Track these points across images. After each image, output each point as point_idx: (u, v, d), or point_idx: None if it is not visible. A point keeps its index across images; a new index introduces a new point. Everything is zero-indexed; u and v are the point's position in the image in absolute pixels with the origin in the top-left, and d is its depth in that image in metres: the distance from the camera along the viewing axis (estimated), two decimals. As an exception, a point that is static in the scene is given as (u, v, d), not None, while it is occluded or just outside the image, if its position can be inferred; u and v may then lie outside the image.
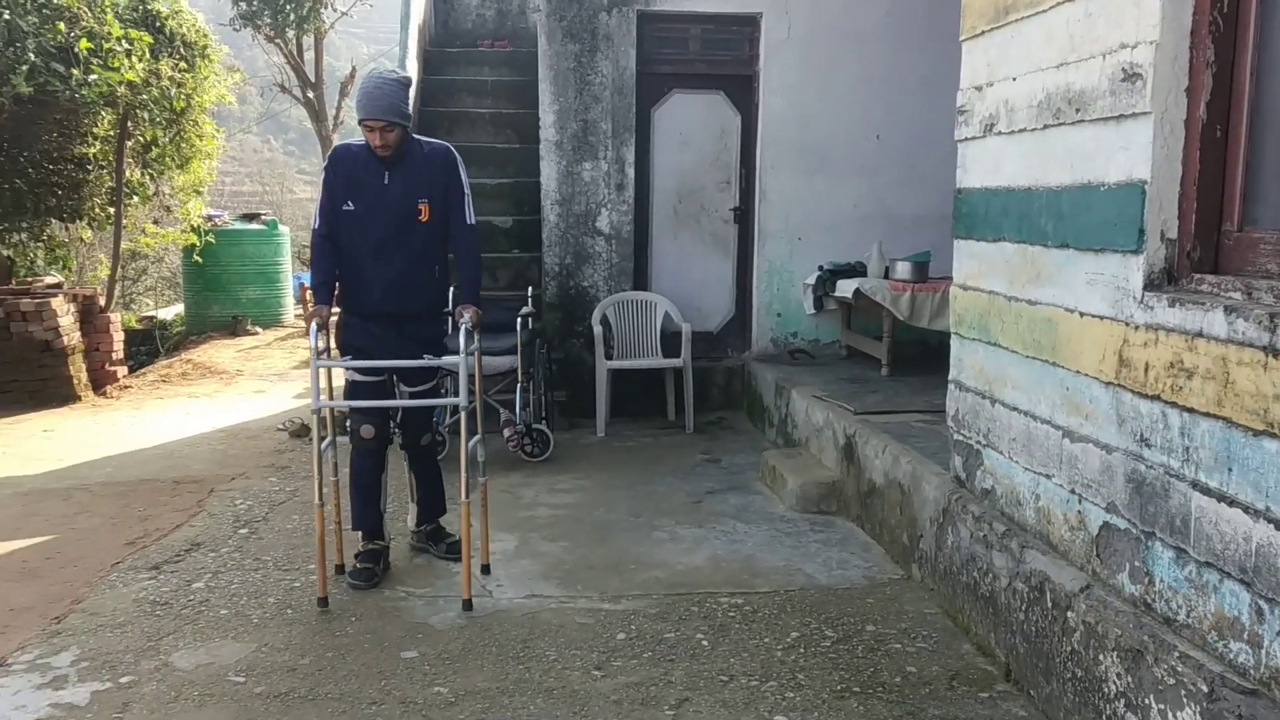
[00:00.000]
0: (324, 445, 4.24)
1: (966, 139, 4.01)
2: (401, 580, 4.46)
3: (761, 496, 5.73)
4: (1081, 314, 3.19)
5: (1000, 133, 3.71)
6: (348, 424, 4.73)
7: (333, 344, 4.50)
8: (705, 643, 3.82)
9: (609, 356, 7.32)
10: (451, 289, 4.81)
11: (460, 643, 3.80)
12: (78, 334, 9.16)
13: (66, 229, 11.62)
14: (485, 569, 4.52)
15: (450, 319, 4.73)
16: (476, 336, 4.40)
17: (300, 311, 4.93)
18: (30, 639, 3.89)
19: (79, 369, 9.04)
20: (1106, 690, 2.91)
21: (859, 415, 5.53)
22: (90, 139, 10.08)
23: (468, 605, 4.09)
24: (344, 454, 4.58)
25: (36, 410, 8.42)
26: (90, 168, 10.36)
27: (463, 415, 4.17)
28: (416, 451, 4.73)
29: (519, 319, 6.40)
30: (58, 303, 8.90)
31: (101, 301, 9.99)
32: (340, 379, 4.63)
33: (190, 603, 4.23)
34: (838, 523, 5.24)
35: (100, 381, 9.41)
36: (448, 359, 4.35)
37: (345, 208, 4.32)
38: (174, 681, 3.52)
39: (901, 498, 4.60)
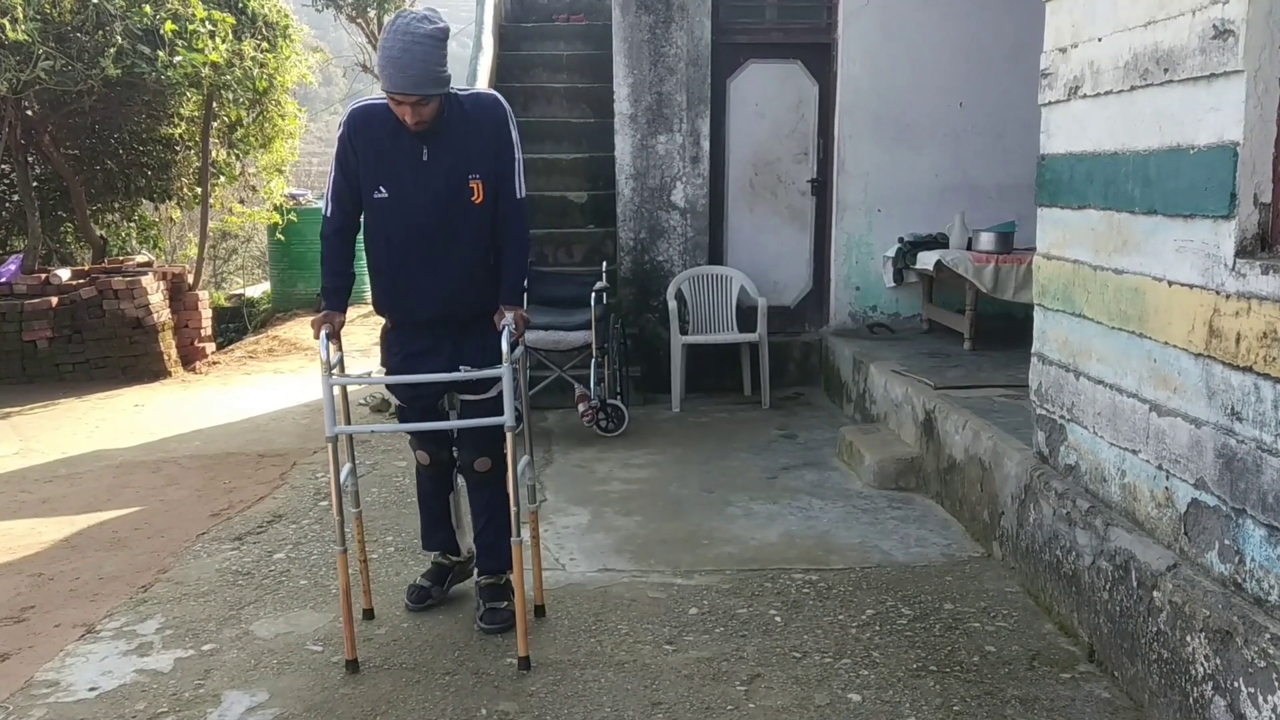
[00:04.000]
0: (344, 476, 3.53)
1: (1050, 103, 3.87)
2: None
3: (838, 473, 5.65)
4: (1170, 283, 3.06)
5: (1085, 96, 3.57)
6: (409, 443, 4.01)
7: (348, 354, 3.93)
8: (778, 619, 3.78)
9: (684, 331, 7.28)
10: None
11: (533, 615, 3.81)
12: (167, 311, 9.41)
13: (156, 209, 11.96)
14: (539, 610, 3.82)
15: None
16: (522, 345, 3.70)
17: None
18: (118, 606, 4.00)
19: (169, 345, 9.29)
20: (1194, 672, 2.80)
21: (939, 390, 5.42)
22: (177, 120, 10.33)
23: (525, 664, 3.40)
24: (377, 480, 4.32)
25: (128, 385, 8.67)
26: (178, 148, 10.63)
27: (509, 438, 3.41)
28: (474, 478, 3.78)
29: (594, 294, 6.40)
30: (148, 281, 9.14)
31: (190, 280, 10.26)
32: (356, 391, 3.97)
33: (271, 573, 4.31)
34: (916, 499, 5.15)
35: (189, 357, 9.66)
36: (488, 371, 3.50)
37: (376, 195, 3.46)
38: (254, 649, 3.60)
39: (982, 474, 4.49)
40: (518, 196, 3.59)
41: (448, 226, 3.48)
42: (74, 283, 9.06)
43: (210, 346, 10.28)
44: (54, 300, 8.70)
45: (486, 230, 3.55)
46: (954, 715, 3.09)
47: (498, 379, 3.46)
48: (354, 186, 3.50)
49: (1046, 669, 3.37)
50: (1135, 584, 3.13)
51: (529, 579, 3.75)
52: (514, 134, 3.57)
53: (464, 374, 3.49)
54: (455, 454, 3.84)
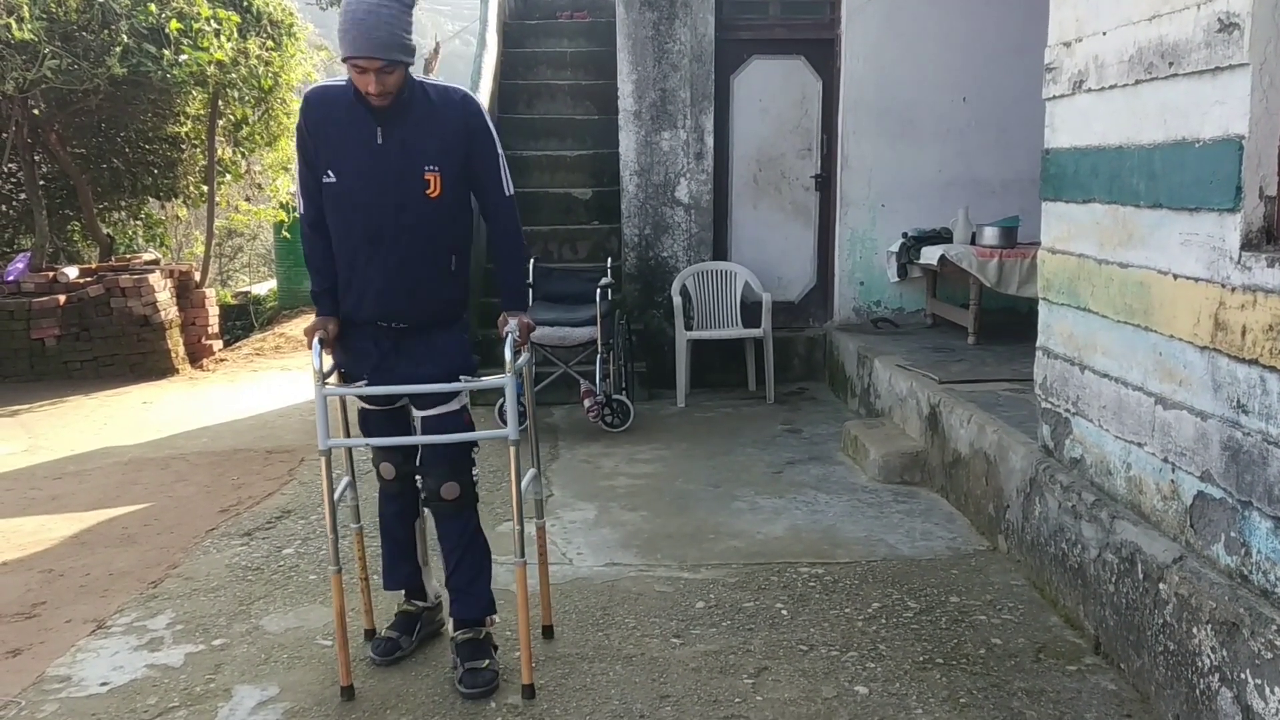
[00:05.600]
0: (341, 490, 3.36)
1: (1055, 97, 3.88)
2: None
3: (843, 467, 5.67)
4: (1175, 276, 3.07)
5: (1090, 90, 3.58)
6: (371, 459, 3.59)
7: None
8: (785, 612, 3.80)
9: (689, 327, 7.29)
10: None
11: (541, 610, 3.83)
12: (175, 309, 9.43)
13: (163, 207, 11.98)
14: (548, 631, 3.62)
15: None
16: (527, 354, 3.45)
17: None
18: (128, 602, 4.03)
19: (176, 343, 9.31)
20: (1200, 664, 2.82)
21: (944, 384, 5.43)
22: (183, 118, 10.36)
23: (530, 692, 3.19)
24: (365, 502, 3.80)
25: (136, 382, 8.70)
26: (184, 146, 10.66)
27: (511, 452, 3.18)
28: (441, 509, 3.36)
29: (598, 290, 6.42)
30: (155, 278, 9.17)
31: (197, 277, 10.28)
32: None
33: (280, 568, 4.33)
34: (921, 493, 5.16)
35: (196, 355, 9.69)
36: (489, 380, 3.28)
37: (325, 179, 3.16)
38: (264, 644, 3.62)
39: (987, 468, 4.51)
40: (505, 194, 3.32)
41: (397, 218, 3.15)
42: (81, 281, 9.08)
43: (217, 344, 10.31)
44: (61, 298, 8.73)
45: (444, 229, 3.24)
46: (960, 708, 3.10)
47: (457, 392, 3.26)
48: (317, 176, 3.20)
49: (1052, 661, 3.39)
50: (1141, 576, 3.14)
51: (524, 594, 3.35)
52: (490, 128, 3.29)
53: (464, 384, 3.23)
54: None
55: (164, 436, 6.82)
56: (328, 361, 3.28)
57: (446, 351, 3.30)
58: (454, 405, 3.33)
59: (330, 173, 3.16)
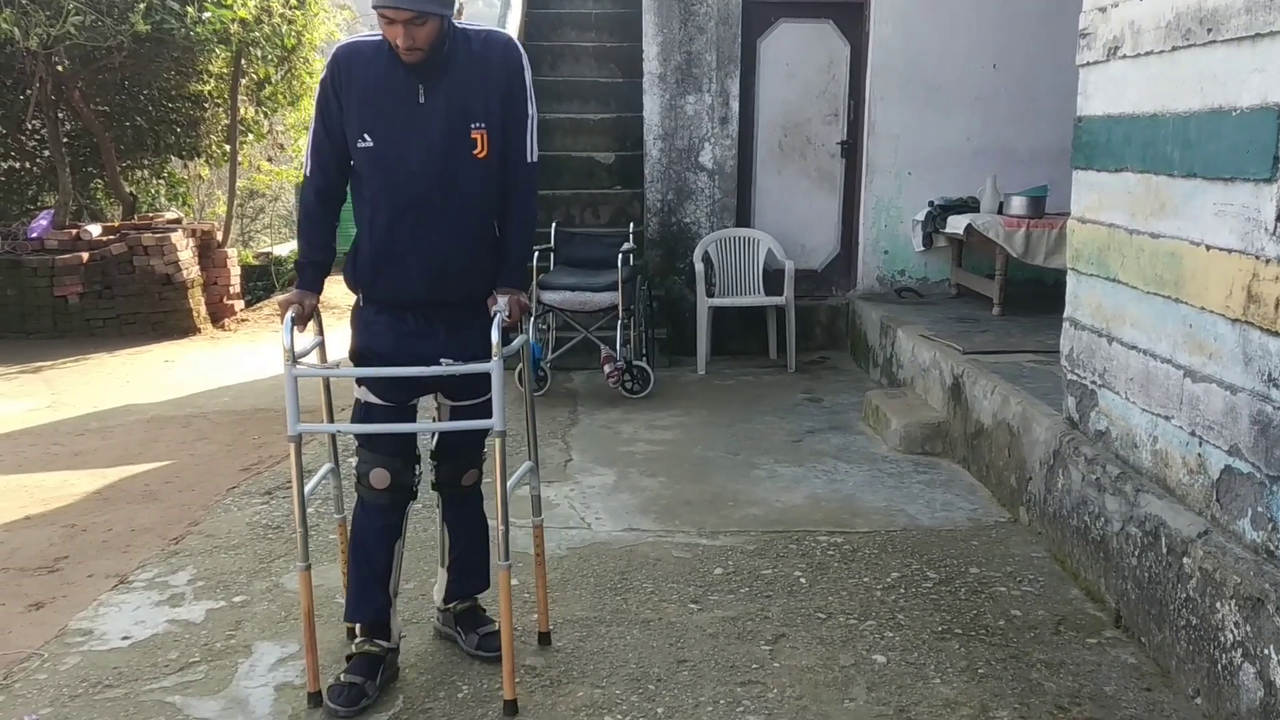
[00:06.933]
0: (320, 477, 3.23)
1: (1088, 63, 3.81)
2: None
3: (864, 437, 5.64)
4: (1208, 247, 3.02)
5: (1125, 56, 3.51)
6: (355, 465, 3.12)
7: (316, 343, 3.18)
8: (803, 580, 3.79)
9: (710, 294, 7.25)
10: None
11: (559, 573, 3.83)
12: (197, 268, 9.46)
13: (186, 166, 11.99)
14: (544, 638, 3.32)
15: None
16: (527, 330, 3.16)
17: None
18: (150, 558, 4.06)
19: (198, 302, 9.35)
20: (1222, 639, 2.79)
21: (968, 355, 5.38)
22: (205, 77, 10.34)
23: (512, 708, 2.91)
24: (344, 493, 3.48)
25: (158, 341, 8.74)
26: (206, 105, 10.65)
27: (496, 444, 2.86)
28: (456, 494, 3.23)
29: (620, 255, 6.39)
30: (177, 237, 9.19)
31: (219, 237, 10.31)
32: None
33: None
34: (942, 464, 5.14)
35: (218, 314, 9.73)
36: (473, 365, 2.89)
37: (360, 144, 2.88)
38: (284, 601, 3.64)
39: (1010, 439, 4.47)
40: (529, 160, 3.02)
41: (445, 184, 2.89)
42: (104, 239, 9.12)
43: (239, 304, 10.34)
44: (84, 256, 8.76)
45: (493, 193, 2.98)
46: (978, 678, 3.09)
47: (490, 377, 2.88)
48: (338, 141, 2.92)
49: (1072, 634, 3.37)
50: (1165, 550, 3.11)
51: (512, 601, 3.10)
52: (529, 85, 2.99)
53: (446, 369, 2.89)
54: (416, 483, 3.15)
55: (185, 395, 6.86)
56: (304, 340, 2.98)
57: (487, 330, 2.89)
58: (483, 399, 3.04)
59: (366, 136, 2.87)
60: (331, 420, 3.22)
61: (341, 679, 3.02)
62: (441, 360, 2.89)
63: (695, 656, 3.23)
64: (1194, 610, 2.94)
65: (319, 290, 3.04)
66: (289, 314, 2.89)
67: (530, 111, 2.99)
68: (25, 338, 8.58)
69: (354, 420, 3.10)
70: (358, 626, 3.15)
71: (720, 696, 3.00)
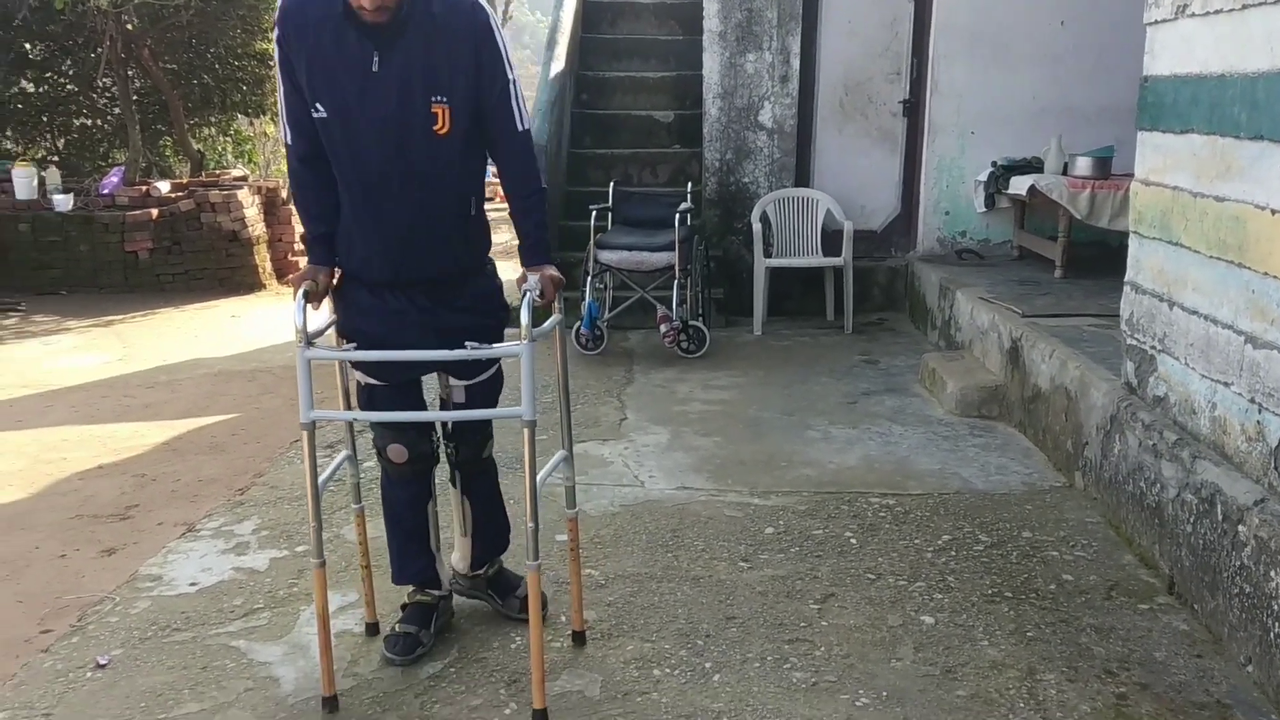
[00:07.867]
0: (336, 465, 3.06)
1: (1156, 22, 3.72)
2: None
3: (919, 399, 5.62)
4: (1274, 211, 2.95)
5: (1193, 14, 3.43)
6: (373, 440, 3.10)
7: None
8: (854, 541, 3.81)
9: (768, 254, 7.23)
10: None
11: (612, 529, 3.89)
12: (262, 225, 9.63)
13: (251, 124, 12.16)
14: (579, 637, 3.12)
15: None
16: (558, 314, 2.91)
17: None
18: (217, 508, 4.19)
19: (263, 258, 9.53)
20: (1276, 608, 2.77)
21: (1027, 318, 5.32)
22: (271, 34, 10.43)
23: (542, 716, 2.68)
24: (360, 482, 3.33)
25: (224, 296, 8.94)
26: (271, 64, 10.74)
27: (525, 435, 2.62)
28: (474, 468, 3.15)
29: (678, 215, 6.39)
30: (244, 194, 9.36)
31: (284, 195, 10.45)
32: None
33: (361, 479, 4.43)
34: (998, 428, 5.10)
35: (283, 270, 9.90)
36: (501, 348, 2.73)
37: (314, 113, 2.64)
38: (345, 552, 3.74)
39: (1067, 403, 4.43)
40: (518, 129, 2.77)
41: (402, 164, 2.66)
42: (173, 195, 9.31)
43: (302, 260, 10.46)
44: (154, 212, 8.96)
45: (459, 171, 2.76)
46: (1027, 641, 3.10)
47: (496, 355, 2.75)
48: (307, 102, 2.66)
49: (1124, 599, 3.36)
50: (1220, 518, 3.08)
51: (545, 600, 3.13)
52: (502, 47, 2.69)
53: (470, 352, 2.67)
54: (437, 448, 3.10)
55: (251, 350, 7.02)
56: (318, 319, 2.78)
57: (480, 304, 2.87)
58: (494, 369, 2.99)
59: (319, 105, 2.62)
60: (348, 406, 3.04)
61: (397, 629, 3.08)
62: (467, 344, 2.67)
63: (744, 614, 3.27)
64: (1248, 578, 2.91)
65: (332, 264, 2.84)
66: (300, 292, 2.67)
67: (510, 76, 2.72)
68: (97, 292, 8.82)
69: (360, 401, 2.99)
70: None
71: (768, 653, 3.04)
